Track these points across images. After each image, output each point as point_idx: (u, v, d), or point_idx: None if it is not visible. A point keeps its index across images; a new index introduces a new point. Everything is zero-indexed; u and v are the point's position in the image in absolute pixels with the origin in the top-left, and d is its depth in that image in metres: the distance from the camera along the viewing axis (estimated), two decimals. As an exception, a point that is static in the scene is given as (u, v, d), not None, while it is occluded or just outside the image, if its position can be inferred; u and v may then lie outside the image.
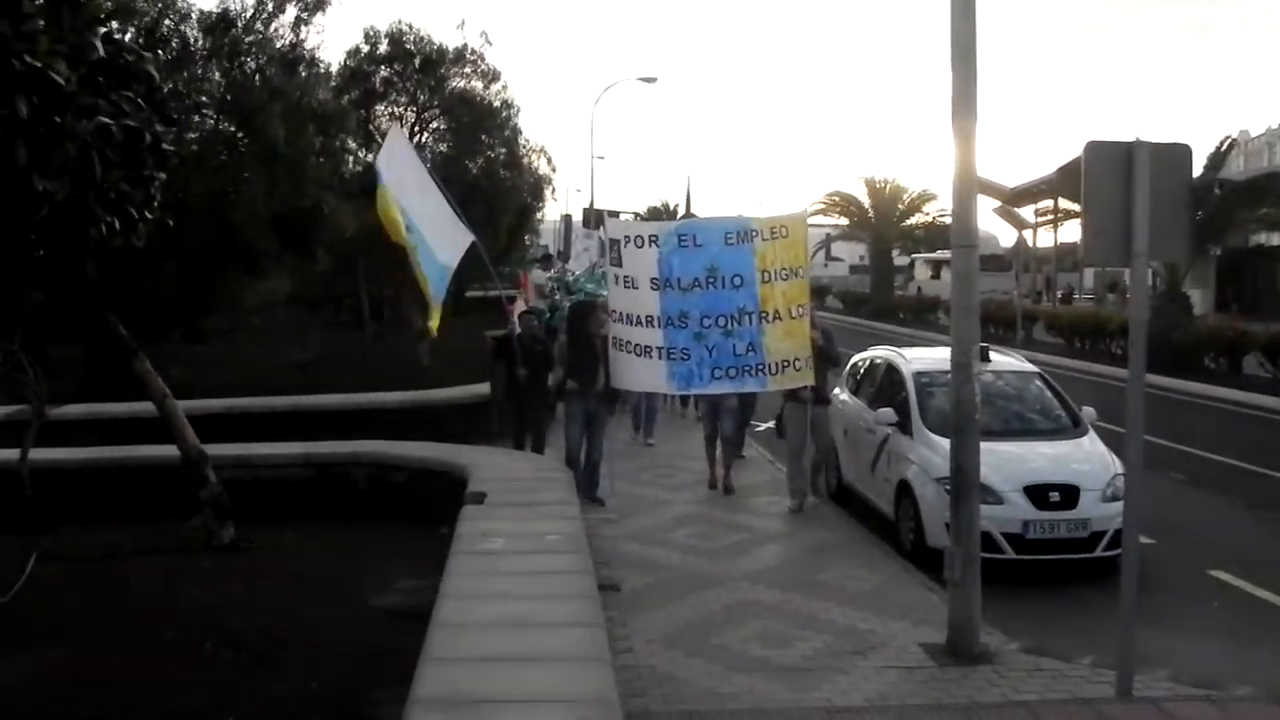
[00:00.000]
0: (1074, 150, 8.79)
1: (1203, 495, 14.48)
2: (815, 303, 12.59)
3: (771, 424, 15.09)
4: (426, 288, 12.09)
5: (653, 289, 11.45)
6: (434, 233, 12.05)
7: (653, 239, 11.59)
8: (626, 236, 11.87)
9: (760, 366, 11.37)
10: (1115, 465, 10.73)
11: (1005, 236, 61.36)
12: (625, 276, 11.70)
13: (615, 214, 24.43)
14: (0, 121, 5.88)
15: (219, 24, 19.28)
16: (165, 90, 7.88)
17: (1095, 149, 7.44)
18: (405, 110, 32.35)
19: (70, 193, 6.59)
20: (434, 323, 12.80)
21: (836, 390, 14.04)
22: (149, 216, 7.77)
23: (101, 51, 6.65)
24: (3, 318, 8.82)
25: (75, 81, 6.44)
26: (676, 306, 11.37)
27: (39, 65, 5.97)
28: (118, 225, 7.29)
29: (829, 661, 7.99)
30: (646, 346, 11.61)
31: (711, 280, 11.27)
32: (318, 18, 21.27)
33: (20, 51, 5.90)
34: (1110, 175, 7.34)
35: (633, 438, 17.31)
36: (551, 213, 48.11)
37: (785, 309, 11.30)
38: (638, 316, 11.61)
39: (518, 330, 14.02)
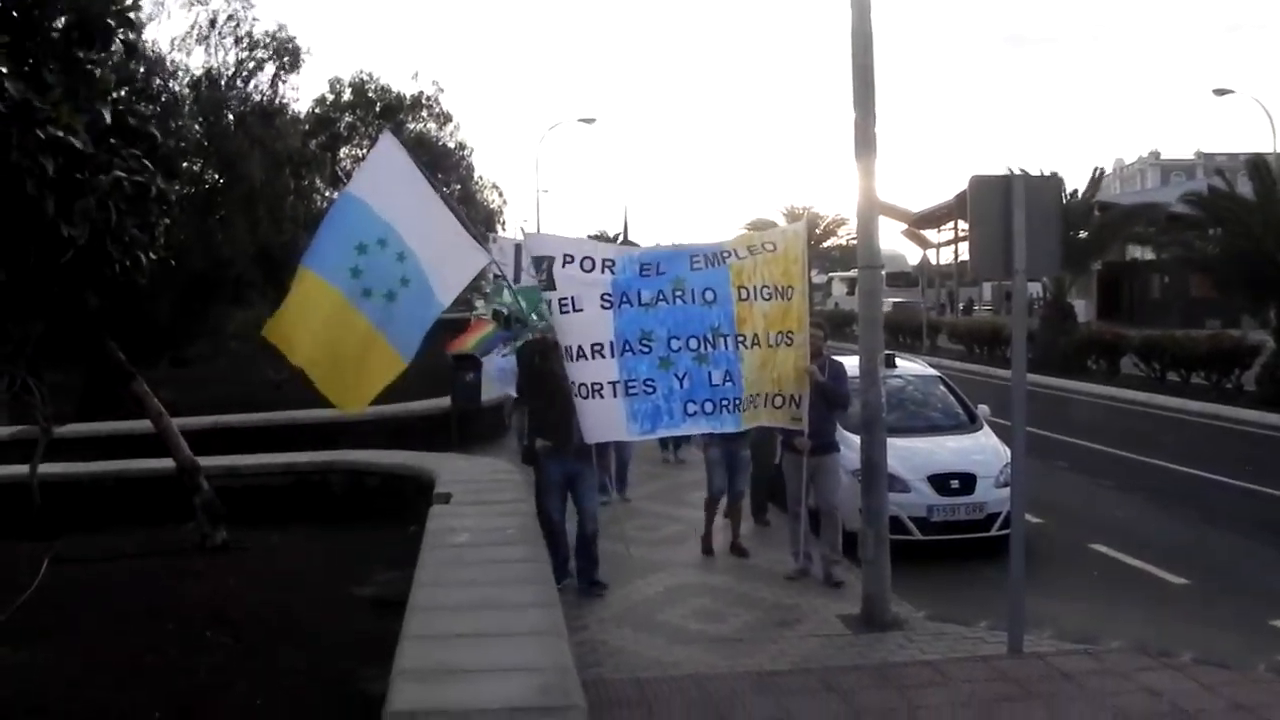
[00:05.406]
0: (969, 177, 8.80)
1: (1084, 479, 14.90)
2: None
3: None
4: (389, 348, 8.48)
5: (604, 307, 8.36)
6: (436, 260, 8.66)
7: (608, 264, 8.52)
8: (569, 255, 8.50)
9: (737, 401, 8.65)
10: (1007, 455, 11.00)
11: (912, 255, 62.29)
12: (563, 299, 8.41)
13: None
14: (31, 178, 6.07)
15: (203, 81, 19.43)
16: (167, 146, 8.06)
17: (979, 181, 7.80)
18: (367, 152, 32.45)
19: (89, 238, 6.80)
20: (373, 387, 8.62)
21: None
22: (153, 257, 7.93)
23: (109, 119, 6.85)
24: (10, 345, 8.89)
25: (90, 143, 6.66)
26: (636, 326, 8.38)
27: (60, 134, 6.16)
28: (129, 265, 7.48)
29: (759, 633, 8.22)
30: (597, 384, 8.37)
31: (679, 294, 8.46)
32: (292, 75, 21.54)
33: (45, 119, 6.10)
34: (992, 203, 7.68)
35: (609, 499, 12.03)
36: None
37: (764, 333, 8.69)
38: (582, 348, 8.38)
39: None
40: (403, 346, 8.50)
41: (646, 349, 8.40)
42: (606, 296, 8.38)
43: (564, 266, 8.42)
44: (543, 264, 8.57)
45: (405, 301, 8.44)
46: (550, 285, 8.49)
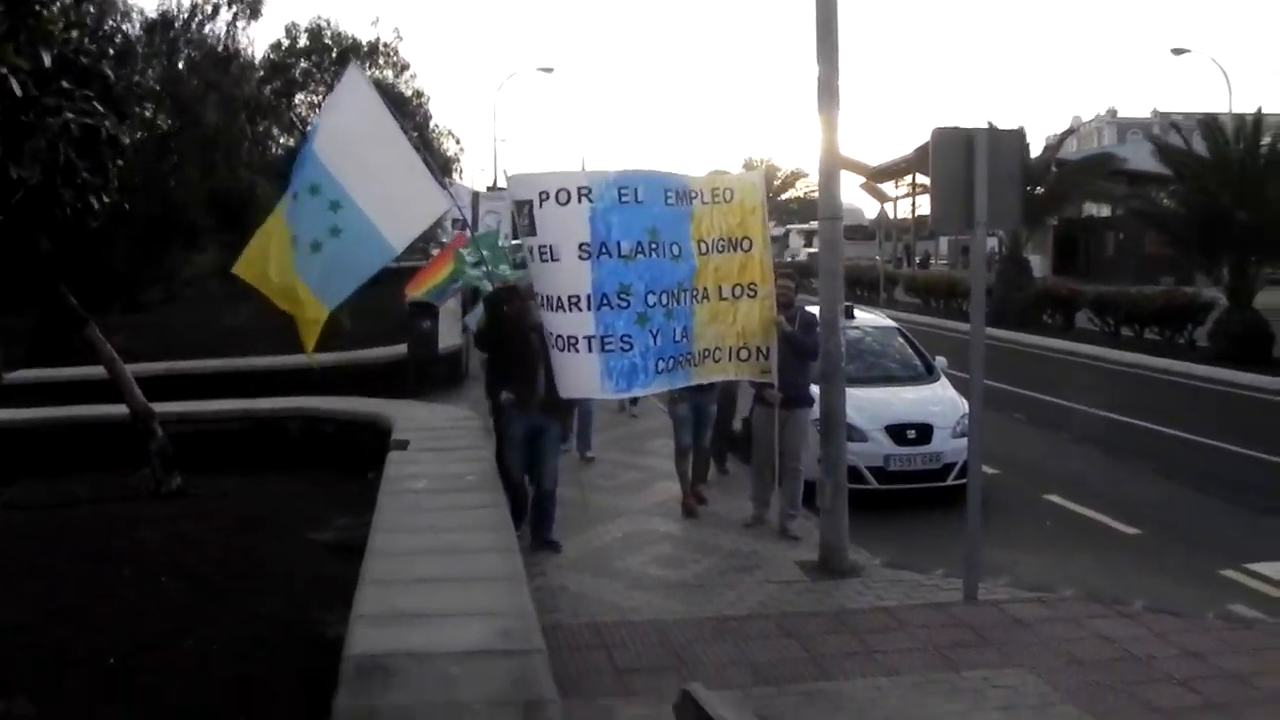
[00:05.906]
0: (930, 130, 8.64)
1: (1038, 431, 15.09)
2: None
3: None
4: (305, 294, 8.45)
5: (581, 257, 7.86)
6: (390, 205, 8.48)
7: (584, 192, 7.86)
8: (544, 192, 7.87)
9: (688, 356, 8.48)
10: (964, 406, 11.06)
11: (870, 209, 62.33)
12: (542, 247, 7.95)
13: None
14: None
15: (158, 24, 19.10)
16: (120, 88, 7.89)
17: (941, 134, 7.80)
18: (323, 98, 32.08)
19: (40, 179, 6.67)
20: (310, 335, 8.80)
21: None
22: (106, 200, 7.80)
23: (48, 62, 6.68)
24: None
25: (35, 85, 6.50)
26: (615, 279, 7.93)
27: (4, 73, 6.01)
28: (80, 207, 7.36)
29: (718, 579, 8.29)
30: (573, 338, 8.01)
31: (654, 246, 8.08)
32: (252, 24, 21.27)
33: None
34: (954, 156, 7.68)
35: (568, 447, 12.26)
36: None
37: (715, 287, 8.55)
38: (560, 299, 7.99)
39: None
40: (327, 294, 8.47)
41: (624, 303, 7.97)
42: (585, 246, 7.87)
43: (541, 205, 7.90)
44: (524, 208, 8.07)
45: (331, 251, 8.33)
46: (531, 231, 8.02)
